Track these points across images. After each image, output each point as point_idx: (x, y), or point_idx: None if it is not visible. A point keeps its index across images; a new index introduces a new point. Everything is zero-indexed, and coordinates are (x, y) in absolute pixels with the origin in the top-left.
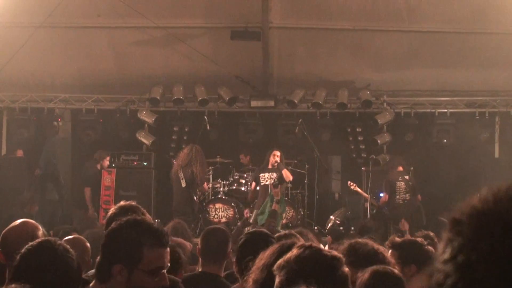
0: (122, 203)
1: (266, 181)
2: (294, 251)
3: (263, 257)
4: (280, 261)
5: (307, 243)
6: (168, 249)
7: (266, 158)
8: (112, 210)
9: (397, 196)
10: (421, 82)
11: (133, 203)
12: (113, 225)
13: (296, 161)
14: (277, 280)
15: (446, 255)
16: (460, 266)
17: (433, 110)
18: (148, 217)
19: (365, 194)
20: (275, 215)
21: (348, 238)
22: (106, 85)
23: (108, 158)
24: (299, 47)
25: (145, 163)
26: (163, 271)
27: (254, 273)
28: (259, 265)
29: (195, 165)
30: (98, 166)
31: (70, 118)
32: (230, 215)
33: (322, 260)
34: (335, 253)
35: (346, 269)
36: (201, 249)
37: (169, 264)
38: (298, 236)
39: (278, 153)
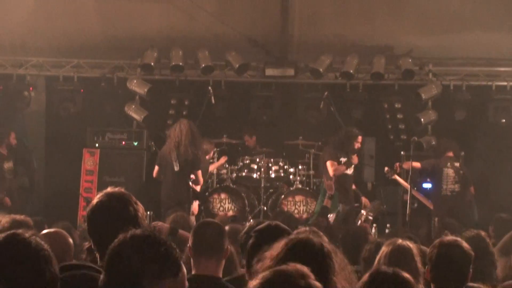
0: (109, 189)
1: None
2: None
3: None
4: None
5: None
6: (181, 278)
7: (347, 142)
8: (97, 198)
9: (444, 187)
10: (475, 49)
11: (123, 190)
12: (115, 242)
13: (320, 143)
14: None
15: None
16: None
17: (489, 83)
18: (142, 208)
19: (405, 184)
20: (326, 212)
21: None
22: (88, 48)
23: None
24: (325, 3)
25: (136, 143)
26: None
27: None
28: (265, 264)
29: (190, 144)
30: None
31: (44, 87)
32: (239, 208)
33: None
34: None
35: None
36: (192, 246)
37: None
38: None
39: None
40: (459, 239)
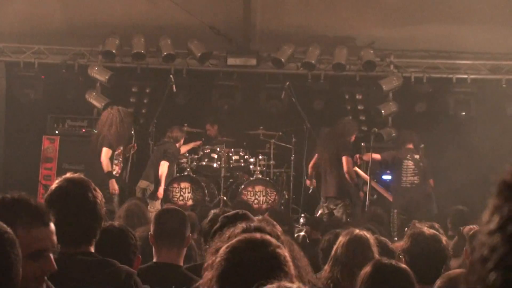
0: (69, 175)
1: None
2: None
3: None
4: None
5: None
6: (52, 227)
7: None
8: (56, 183)
9: (404, 179)
10: (436, 41)
11: (83, 176)
12: None
13: (281, 133)
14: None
15: (493, 225)
16: (510, 236)
17: (450, 76)
18: (100, 195)
19: (365, 176)
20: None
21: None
22: (49, 34)
23: None
24: None
25: (96, 131)
26: (46, 253)
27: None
28: (212, 250)
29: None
30: None
31: (4, 73)
32: (198, 197)
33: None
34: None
35: (279, 249)
36: (154, 234)
37: (56, 245)
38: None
39: None
40: (437, 233)
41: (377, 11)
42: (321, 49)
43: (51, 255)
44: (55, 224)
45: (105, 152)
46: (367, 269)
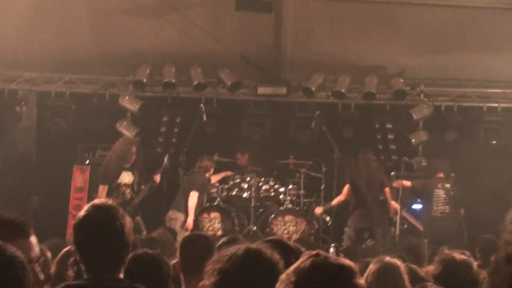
0: (97, 201)
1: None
2: (304, 259)
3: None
4: (283, 277)
5: (313, 252)
6: (32, 239)
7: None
8: (84, 210)
9: (434, 208)
10: (467, 70)
11: (110, 202)
12: None
13: (311, 163)
14: None
15: None
16: None
17: (480, 104)
18: (129, 222)
19: (395, 204)
20: None
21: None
22: (81, 64)
23: None
24: (319, 22)
25: None
26: (32, 265)
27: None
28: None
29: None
30: None
31: (36, 102)
32: (228, 227)
33: (328, 270)
34: (343, 261)
35: (361, 281)
36: (181, 262)
37: (38, 256)
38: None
39: None
40: (468, 258)
41: (407, 39)
42: (351, 78)
43: (37, 267)
44: (84, 252)
45: (101, 190)
46: (372, 267)
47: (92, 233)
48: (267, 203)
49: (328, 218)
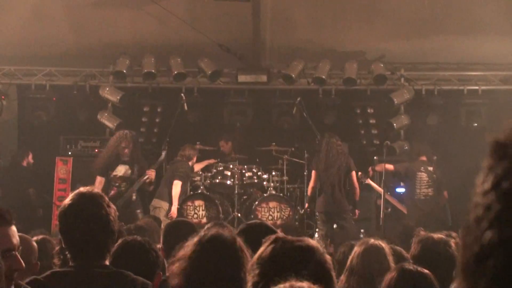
0: (81, 189)
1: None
2: (266, 249)
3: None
4: (253, 260)
5: (276, 236)
6: (13, 228)
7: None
8: (69, 199)
9: (418, 191)
10: (446, 53)
11: (96, 190)
12: None
13: (293, 149)
14: (250, 279)
15: (487, 185)
16: (505, 193)
17: (461, 87)
18: (114, 210)
19: (378, 188)
20: None
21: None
22: (60, 56)
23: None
24: (298, 9)
25: None
26: (14, 253)
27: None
28: (181, 264)
29: None
30: (24, 163)
31: (16, 96)
32: (212, 215)
33: (288, 253)
34: (302, 241)
35: (326, 255)
36: (165, 248)
37: (19, 246)
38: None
39: None
40: (445, 237)
41: (386, 24)
42: (331, 64)
43: (18, 254)
44: (70, 240)
45: (98, 182)
46: (392, 274)
47: (77, 220)
48: (251, 190)
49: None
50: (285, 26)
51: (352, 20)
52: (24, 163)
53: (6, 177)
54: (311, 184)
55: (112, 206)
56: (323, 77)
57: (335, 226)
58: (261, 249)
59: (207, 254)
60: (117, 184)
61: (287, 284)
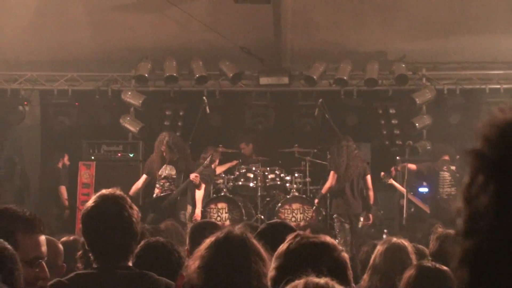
0: (104, 191)
1: None
2: (284, 245)
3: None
4: (274, 257)
5: (295, 234)
6: (43, 237)
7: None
8: (92, 200)
9: (440, 190)
10: (467, 52)
11: (118, 191)
12: None
13: (315, 151)
14: (270, 276)
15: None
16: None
17: (483, 86)
18: (136, 211)
19: (401, 188)
20: None
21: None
22: (81, 61)
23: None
24: (318, 11)
25: (132, 155)
26: (41, 261)
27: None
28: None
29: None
30: (60, 165)
31: (38, 101)
32: (236, 217)
33: (312, 248)
34: (323, 238)
35: (343, 253)
36: (190, 249)
37: (46, 253)
38: None
39: None
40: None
41: (406, 24)
42: (352, 65)
43: (44, 264)
44: (93, 242)
45: (142, 179)
46: (410, 272)
47: (100, 222)
48: (274, 192)
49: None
50: (305, 28)
51: (373, 21)
52: (60, 165)
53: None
54: (329, 184)
55: (135, 207)
56: (345, 78)
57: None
58: (282, 245)
59: (217, 252)
60: (161, 183)
61: (302, 280)
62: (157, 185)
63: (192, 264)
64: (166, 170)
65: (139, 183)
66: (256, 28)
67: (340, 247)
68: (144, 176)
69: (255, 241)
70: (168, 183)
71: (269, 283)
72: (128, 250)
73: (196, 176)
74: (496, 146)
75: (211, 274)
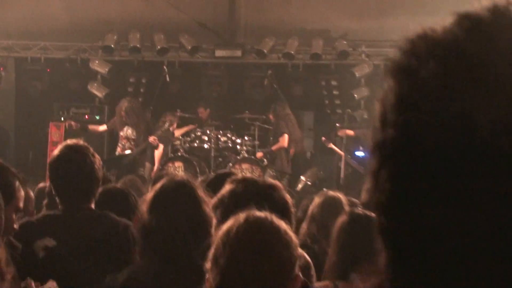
0: (68, 141)
1: None
2: (228, 186)
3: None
4: (214, 200)
5: (240, 177)
6: (22, 191)
7: None
8: (58, 150)
9: None
10: (403, 32)
11: (81, 142)
12: None
13: (264, 117)
14: (214, 221)
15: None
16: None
17: None
18: (98, 160)
19: (340, 152)
20: None
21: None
22: (54, 32)
23: None
24: None
25: (98, 117)
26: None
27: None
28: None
29: None
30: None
31: (14, 67)
32: (191, 174)
33: (258, 189)
34: (268, 180)
35: (286, 194)
36: None
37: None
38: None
39: None
40: None
41: (349, 5)
42: (299, 41)
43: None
44: (59, 186)
45: (102, 127)
46: (343, 218)
47: (64, 168)
48: (226, 153)
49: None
50: (258, 6)
51: (319, 1)
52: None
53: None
54: (282, 146)
55: (97, 156)
56: (292, 52)
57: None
58: (226, 186)
59: (162, 195)
60: (122, 143)
61: (245, 214)
62: (119, 144)
63: (143, 206)
64: (127, 132)
65: (98, 128)
66: (213, 5)
67: (284, 188)
68: (104, 126)
69: (196, 185)
70: (128, 143)
71: (214, 222)
72: (90, 193)
73: (154, 139)
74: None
75: (158, 214)
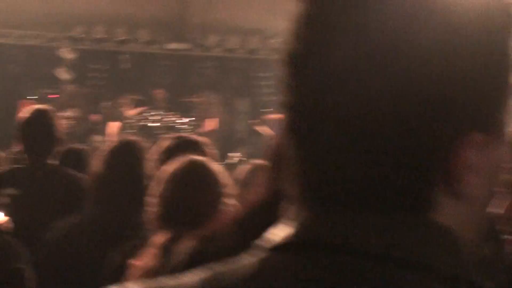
0: (35, 106)
1: None
2: (165, 142)
3: None
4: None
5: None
6: None
7: None
8: (26, 113)
9: None
10: None
11: (48, 107)
12: None
13: (205, 100)
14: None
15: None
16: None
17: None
18: (60, 120)
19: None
20: None
21: None
22: (29, 22)
23: None
24: None
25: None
26: None
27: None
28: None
29: None
30: None
31: None
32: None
33: (187, 142)
34: (198, 137)
35: (211, 149)
36: None
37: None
38: None
39: None
40: None
41: (284, 6)
42: (240, 37)
43: None
44: (26, 143)
45: None
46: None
47: (31, 128)
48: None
49: None
50: (205, 6)
51: (255, 2)
52: None
53: None
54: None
55: (59, 118)
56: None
57: None
58: (163, 142)
59: (113, 153)
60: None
61: (185, 158)
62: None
63: (97, 160)
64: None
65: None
66: (167, 3)
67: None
68: None
69: (143, 146)
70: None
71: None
72: (49, 149)
73: (96, 116)
74: None
75: (109, 169)
